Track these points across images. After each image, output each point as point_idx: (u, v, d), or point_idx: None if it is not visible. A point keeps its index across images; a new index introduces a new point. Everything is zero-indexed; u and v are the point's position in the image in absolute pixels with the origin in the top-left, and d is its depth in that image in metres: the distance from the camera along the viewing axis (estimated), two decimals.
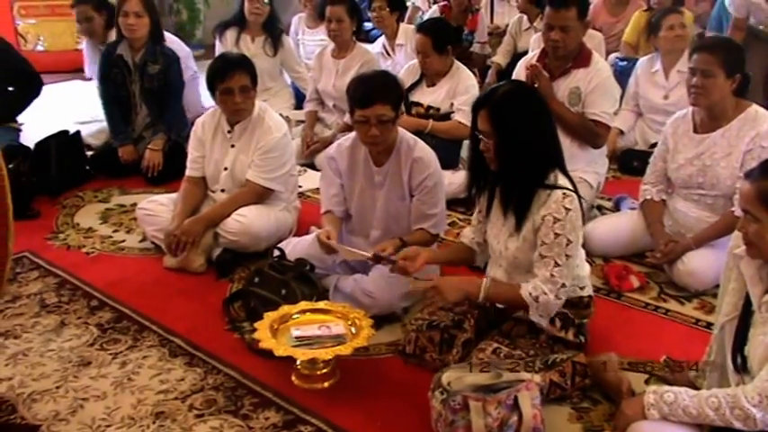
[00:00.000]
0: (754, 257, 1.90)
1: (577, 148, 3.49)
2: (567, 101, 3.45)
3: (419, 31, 3.97)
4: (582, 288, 2.47)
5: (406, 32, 5.11)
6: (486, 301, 2.39)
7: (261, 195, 3.31)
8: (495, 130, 2.27)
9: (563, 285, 2.28)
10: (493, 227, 2.48)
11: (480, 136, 2.32)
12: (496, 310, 2.53)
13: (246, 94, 3.24)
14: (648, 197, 3.22)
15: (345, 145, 2.91)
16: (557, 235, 2.26)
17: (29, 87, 4.13)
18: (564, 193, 2.26)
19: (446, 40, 3.96)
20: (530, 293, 2.29)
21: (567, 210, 2.26)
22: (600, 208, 3.79)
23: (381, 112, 2.66)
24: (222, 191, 3.37)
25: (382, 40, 5.30)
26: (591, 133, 3.47)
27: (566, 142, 3.44)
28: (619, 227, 3.34)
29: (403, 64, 4.42)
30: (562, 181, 2.30)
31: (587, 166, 3.54)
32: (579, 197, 2.33)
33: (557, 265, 2.26)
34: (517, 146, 2.27)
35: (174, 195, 3.45)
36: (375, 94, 2.66)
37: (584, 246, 3.25)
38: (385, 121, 2.68)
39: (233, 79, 3.18)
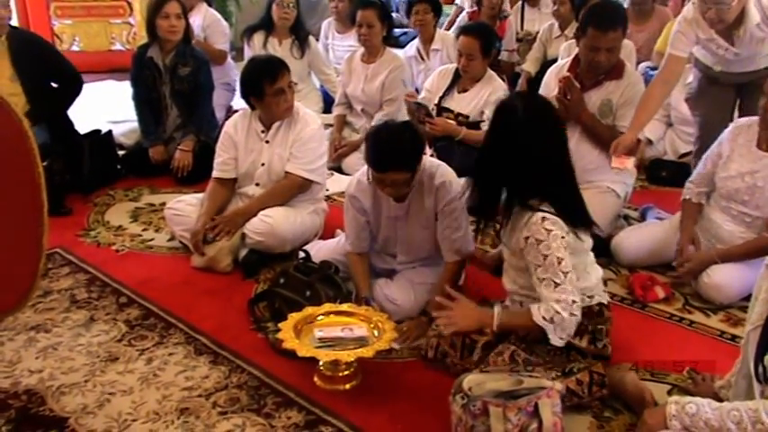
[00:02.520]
0: None
1: (606, 160, 3.45)
2: (598, 113, 3.41)
3: (468, 34, 3.96)
4: (590, 297, 2.46)
5: (443, 38, 5.14)
6: (501, 330, 2.37)
7: (301, 187, 3.37)
8: (494, 140, 2.35)
9: (573, 302, 2.25)
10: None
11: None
12: None
13: (292, 90, 3.33)
14: (688, 197, 3.17)
15: (365, 183, 2.84)
16: (545, 256, 2.25)
17: (71, 86, 4.19)
18: (543, 217, 2.26)
19: (492, 44, 4.00)
20: (543, 317, 2.26)
21: (549, 231, 2.25)
22: (627, 218, 3.78)
23: (396, 177, 2.64)
24: (257, 185, 3.42)
25: (416, 43, 5.32)
26: None
27: (593, 154, 3.45)
28: (647, 236, 3.32)
29: (436, 69, 4.44)
30: (545, 207, 2.29)
31: (615, 177, 3.51)
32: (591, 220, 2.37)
33: (557, 285, 2.25)
34: (510, 162, 2.30)
35: (201, 195, 3.50)
36: (390, 163, 2.62)
37: (611, 255, 3.30)
38: (400, 183, 2.67)
39: (283, 79, 3.25)
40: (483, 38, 3.92)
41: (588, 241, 2.46)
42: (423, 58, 5.22)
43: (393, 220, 2.89)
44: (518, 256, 2.38)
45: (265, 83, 3.23)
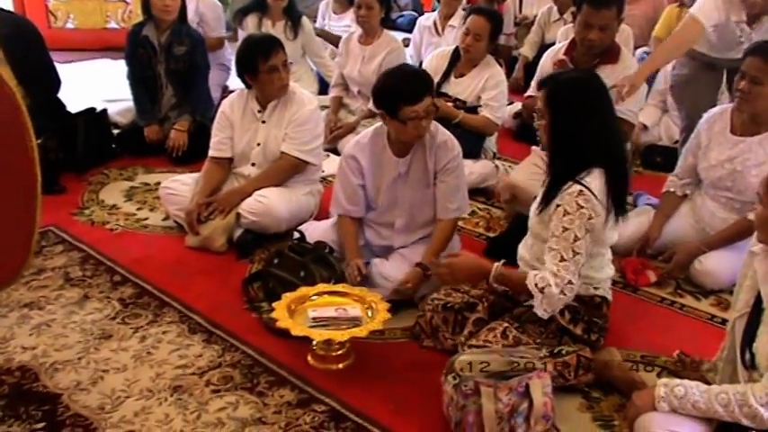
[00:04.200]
0: (763, 242, 1.91)
1: None
2: None
3: (480, 14, 3.93)
4: (595, 288, 2.48)
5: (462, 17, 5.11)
6: (495, 282, 2.40)
7: (297, 168, 3.37)
8: (548, 111, 2.35)
9: (569, 282, 2.27)
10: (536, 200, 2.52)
11: (536, 113, 2.40)
12: (511, 296, 2.54)
13: (287, 69, 3.33)
14: (672, 189, 3.21)
15: (364, 141, 2.90)
16: (565, 229, 2.27)
17: (49, 82, 4.03)
18: (581, 190, 2.27)
19: (500, 30, 4.01)
20: (536, 284, 2.28)
21: (579, 206, 2.26)
22: None
23: (430, 103, 2.71)
24: (253, 164, 3.43)
25: (434, 16, 5.30)
26: None
27: None
28: (637, 222, 3.33)
29: (450, 44, 4.40)
30: (591, 179, 2.29)
31: None
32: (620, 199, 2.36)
33: (562, 259, 2.26)
34: (564, 132, 2.33)
35: (197, 175, 3.51)
36: (425, 89, 2.70)
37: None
38: (431, 112, 2.73)
39: (277, 56, 3.25)
40: (494, 21, 3.91)
41: (613, 238, 2.46)
42: (437, 32, 5.21)
43: (394, 180, 2.90)
44: (546, 223, 2.38)
45: (259, 60, 3.23)
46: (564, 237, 2.27)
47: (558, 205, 2.30)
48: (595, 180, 2.30)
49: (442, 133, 2.85)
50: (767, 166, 2.87)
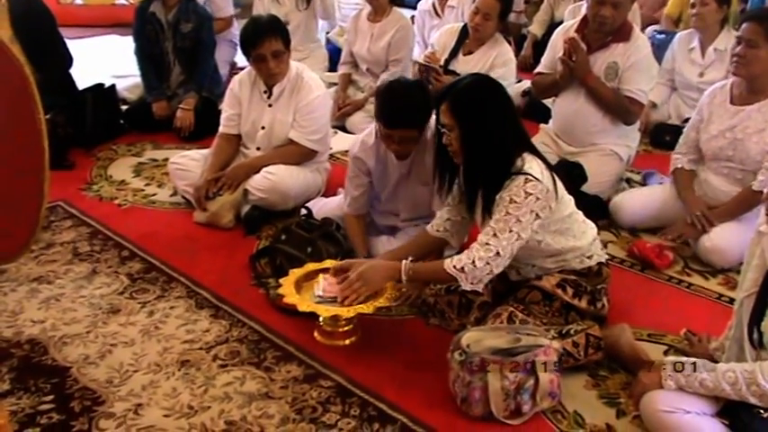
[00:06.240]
0: None
1: (609, 123, 3.45)
2: (603, 75, 3.38)
3: None
4: (589, 257, 2.46)
5: None
6: (410, 280, 2.35)
7: (305, 156, 3.35)
8: (456, 122, 2.27)
9: (497, 254, 2.21)
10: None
11: (443, 130, 2.31)
12: (511, 278, 2.53)
13: (279, 58, 3.24)
14: (679, 165, 3.19)
15: (369, 143, 2.85)
16: (507, 213, 2.21)
17: (60, 62, 4.03)
18: (526, 178, 2.22)
19: (510, 10, 3.96)
20: (454, 266, 2.24)
21: (528, 194, 2.20)
22: (629, 181, 3.77)
23: (405, 134, 2.65)
24: (258, 149, 3.41)
25: None
26: (624, 110, 3.41)
27: (597, 116, 3.44)
28: (647, 198, 3.33)
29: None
30: (529, 165, 2.25)
31: (618, 140, 3.51)
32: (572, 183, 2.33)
33: (494, 235, 2.22)
34: (480, 137, 2.25)
35: (205, 151, 3.50)
36: (402, 119, 2.63)
37: (612, 217, 3.30)
38: (408, 140, 2.68)
39: (264, 45, 3.18)
40: (503, 1, 3.85)
41: (567, 197, 2.40)
42: (437, 14, 5.16)
43: (396, 178, 2.89)
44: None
45: (248, 47, 3.22)
46: (504, 219, 2.21)
47: (501, 196, 2.24)
48: (532, 163, 2.26)
49: None
50: (766, 133, 2.91)
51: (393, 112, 2.63)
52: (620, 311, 2.60)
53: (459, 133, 2.27)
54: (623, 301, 2.67)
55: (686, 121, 4.32)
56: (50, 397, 2.20)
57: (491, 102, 2.29)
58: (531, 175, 2.22)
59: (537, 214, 2.23)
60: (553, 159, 2.84)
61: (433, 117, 2.50)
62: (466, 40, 3.95)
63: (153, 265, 2.93)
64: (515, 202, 2.21)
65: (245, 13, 5.41)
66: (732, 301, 2.65)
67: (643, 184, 3.75)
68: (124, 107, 4.50)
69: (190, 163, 3.43)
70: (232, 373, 2.32)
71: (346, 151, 3.18)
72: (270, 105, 3.35)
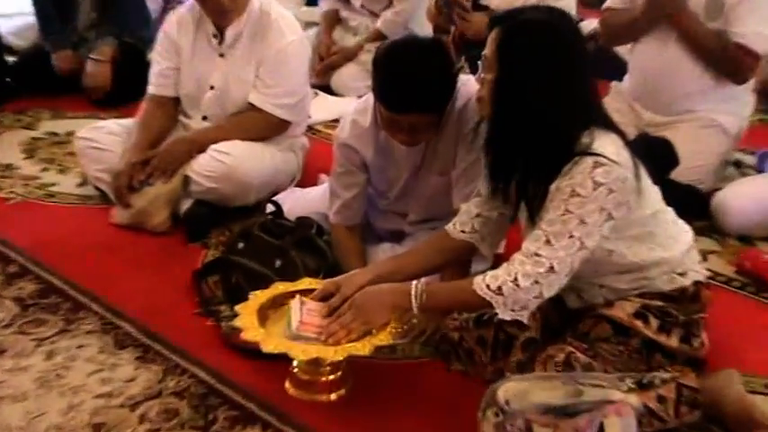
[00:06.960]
0: None
1: (710, 80, 3.47)
2: (702, 13, 3.41)
3: None
4: (681, 274, 2.45)
5: None
6: (421, 308, 2.36)
7: (272, 129, 3.38)
8: (498, 64, 2.26)
9: (551, 269, 2.21)
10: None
11: (480, 63, 2.31)
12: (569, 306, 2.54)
13: None
14: None
15: (364, 125, 2.85)
16: (567, 212, 2.20)
17: None
18: (596, 162, 2.20)
19: None
20: (487, 286, 2.24)
21: (597, 184, 2.19)
22: (738, 164, 3.78)
23: (417, 120, 2.62)
24: (205, 118, 3.43)
25: None
26: (732, 62, 3.43)
27: (695, 71, 3.47)
28: (765, 192, 3.33)
29: None
30: (600, 142, 2.24)
31: (722, 105, 3.53)
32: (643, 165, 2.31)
33: (547, 242, 2.21)
34: (530, 96, 2.24)
35: (128, 121, 3.52)
36: (412, 102, 2.58)
37: (714, 217, 3.31)
38: (422, 127, 2.66)
39: None
40: None
41: (652, 188, 2.41)
42: None
43: (405, 171, 2.91)
44: None
45: None
46: (562, 219, 2.21)
47: (561, 186, 2.22)
48: (604, 140, 2.24)
49: (463, 95, 2.74)
50: None
51: (400, 93, 2.59)
52: (726, 352, 2.61)
53: (495, 79, 2.27)
54: (731, 336, 2.69)
55: None
56: None
57: (561, 49, 2.26)
58: (605, 157, 2.22)
59: (610, 213, 2.23)
60: (630, 133, 2.83)
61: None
62: None
63: (53, 286, 2.95)
64: (579, 195, 2.21)
65: None
66: None
67: (759, 170, 3.76)
68: (10, 59, 4.52)
69: (106, 138, 3.45)
70: None
71: (333, 121, 3.19)
72: (222, 56, 3.37)
